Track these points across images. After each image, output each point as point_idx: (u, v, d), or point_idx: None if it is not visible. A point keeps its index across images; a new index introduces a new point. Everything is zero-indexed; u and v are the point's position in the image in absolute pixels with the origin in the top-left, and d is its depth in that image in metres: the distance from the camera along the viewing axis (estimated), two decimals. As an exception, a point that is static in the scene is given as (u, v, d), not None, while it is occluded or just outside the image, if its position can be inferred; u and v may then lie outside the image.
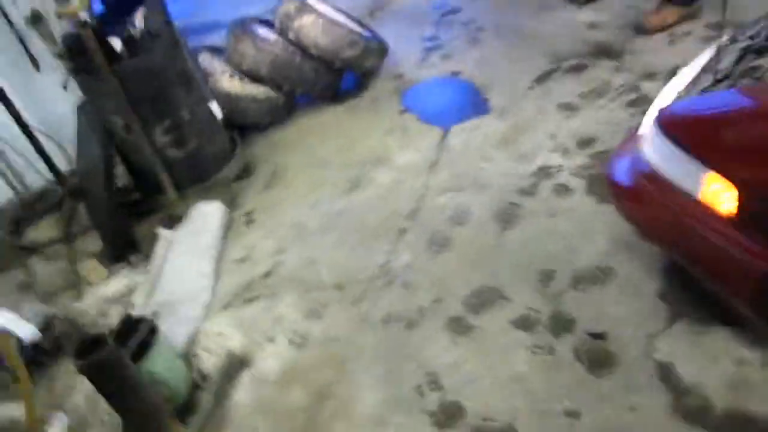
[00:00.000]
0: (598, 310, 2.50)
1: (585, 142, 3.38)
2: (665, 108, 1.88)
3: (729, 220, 1.71)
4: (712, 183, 1.72)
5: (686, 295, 2.40)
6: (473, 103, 4.08)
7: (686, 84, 2.01)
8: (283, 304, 3.06)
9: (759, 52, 1.95)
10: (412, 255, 3.09)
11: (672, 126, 1.83)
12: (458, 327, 2.65)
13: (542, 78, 4.07)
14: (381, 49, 4.68)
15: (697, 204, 1.80)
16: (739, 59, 1.98)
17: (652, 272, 2.53)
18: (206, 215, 3.57)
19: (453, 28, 5.10)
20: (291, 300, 3.07)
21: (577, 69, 4.03)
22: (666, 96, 2.09)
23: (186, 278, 3.29)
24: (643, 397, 2.17)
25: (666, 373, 2.21)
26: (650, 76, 3.68)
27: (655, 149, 1.95)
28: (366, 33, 4.67)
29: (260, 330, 2.96)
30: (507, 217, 3.10)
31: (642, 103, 3.48)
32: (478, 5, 5.23)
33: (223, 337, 2.97)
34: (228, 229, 3.63)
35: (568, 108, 3.70)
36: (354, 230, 3.38)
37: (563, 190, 3.13)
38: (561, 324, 2.50)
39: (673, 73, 3.52)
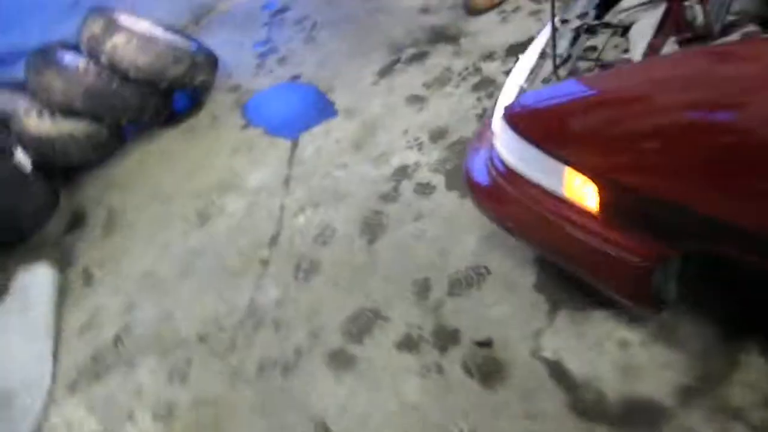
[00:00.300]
0: (479, 315, 2.38)
1: (438, 134, 3.27)
2: (511, 104, 1.75)
3: (595, 216, 1.61)
4: (571, 179, 1.61)
5: (562, 283, 2.34)
6: (319, 107, 3.85)
7: (527, 74, 1.90)
8: (140, 371, 2.68)
9: (591, 31, 1.88)
10: (278, 288, 2.82)
11: (521, 122, 1.71)
12: (340, 361, 2.43)
13: (385, 71, 3.92)
14: (211, 61, 4.31)
15: (561, 202, 1.69)
16: (574, 40, 1.90)
17: (525, 265, 2.45)
18: (33, 284, 3.07)
19: (286, 29, 4.82)
20: (149, 365, 2.70)
21: (418, 57, 3.91)
22: (511, 86, 1.98)
23: (19, 364, 2.80)
24: (539, 402, 2.08)
25: (557, 372, 2.13)
26: (489, 56, 3.64)
27: (507, 147, 1.82)
28: (191, 45, 4.27)
29: (118, 408, 2.57)
30: (372, 227, 2.91)
31: (486, 85, 3.44)
32: (306, 1, 4.98)
33: (74, 426, 2.54)
34: (63, 293, 3.14)
35: (416, 100, 3.57)
36: (212, 270, 3.05)
37: (424, 189, 3.00)
38: (445, 337, 2.36)
39: (510, 51, 3.53)
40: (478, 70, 3.58)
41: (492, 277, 2.49)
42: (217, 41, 4.75)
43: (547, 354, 2.19)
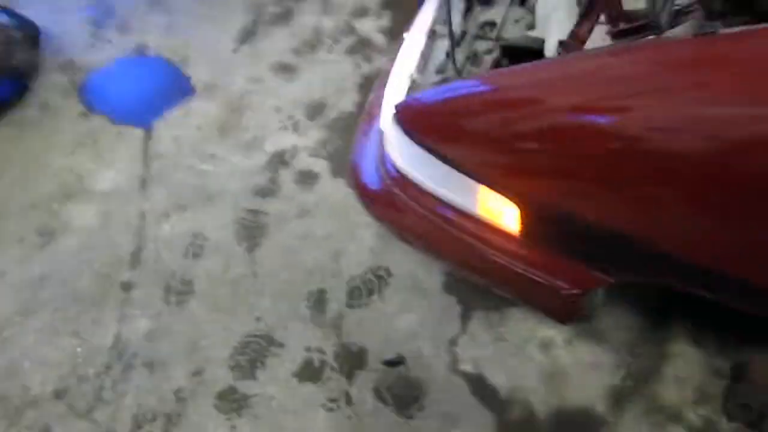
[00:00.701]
0: (385, 328, 2.11)
1: (314, 110, 2.87)
2: (403, 102, 1.41)
3: (515, 237, 1.34)
4: (486, 197, 1.31)
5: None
6: (172, 84, 3.29)
7: (417, 60, 1.55)
8: (-15, 446, 2.19)
9: (486, 0, 1.55)
10: (148, 318, 2.38)
11: (417, 127, 1.39)
12: (232, 403, 2.08)
13: (245, 35, 3.40)
14: (31, 35, 3.56)
15: (472, 219, 1.40)
16: (466, 12, 1.57)
17: (431, 263, 2.18)
18: None
19: (122, -13, 4.09)
20: (-4, 436, 2.20)
21: (282, 17, 3.42)
22: (399, 75, 1.63)
23: None
24: (463, 426, 1.86)
25: (479, 387, 1.91)
26: (362, 12, 3.24)
27: (401, 152, 1.50)
28: (1, 18, 3.50)
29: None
30: (251, 231, 2.52)
31: (362, 47, 3.06)
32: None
33: None
34: None
35: (285, 69, 3.12)
36: (62, 302, 2.53)
37: (306, 178, 2.62)
38: (351, 360, 2.07)
39: (386, 5, 3.15)
40: (351, 29, 3.18)
41: (395, 279, 2.21)
42: (37, 7, 3.94)
43: (467, 367, 1.96)
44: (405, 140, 1.41)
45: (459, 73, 1.38)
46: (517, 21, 1.46)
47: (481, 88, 1.26)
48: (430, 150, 1.36)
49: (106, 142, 3.11)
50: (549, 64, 1.22)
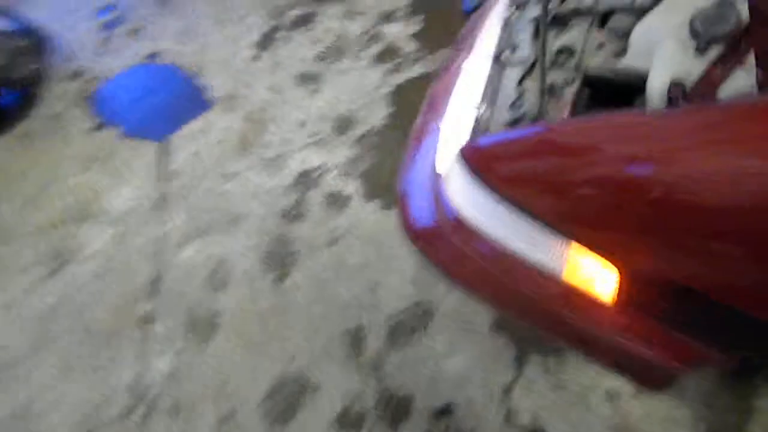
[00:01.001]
0: (432, 372, 1.93)
1: (342, 125, 2.68)
2: (475, 145, 1.23)
3: (605, 302, 1.15)
4: (577, 259, 1.13)
5: (526, 321, 1.91)
6: (188, 95, 3.11)
7: (481, 90, 1.36)
8: (0, 498, 2.03)
9: (562, 21, 1.35)
10: (170, 355, 2.21)
11: (490, 173, 1.20)
12: (265, 454, 1.91)
13: (266, 41, 3.22)
14: (40, 42, 3.40)
15: (551, 279, 1.21)
16: (536, 34, 1.37)
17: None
18: None
19: (133, -11, 3.91)
20: (11, 487, 2.05)
21: (304, 21, 3.24)
22: (460, 107, 1.43)
23: None
24: (523, 487, 1.68)
25: (540, 443, 1.73)
26: (389, 16, 3.04)
27: (466, 197, 1.31)
28: (11, 24, 3.33)
29: None
30: (279, 258, 2.34)
31: (390, 55, 2.86)
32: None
33: None
34: None
35: (309, 79, 2.93)
36: (77, 336, 2.37)
37: (336, 200, 2.44)
38: (395, 408, 1.89)
39: (416, 8, 2.95)
40: (378, 35, 2.98)
41: (440, 316, 2.03)
42: (46, 11, 3.79)
43: (524, 419, 1.78)
44: (473, 186, 1.23)
45: (541, 113, 1.19)
46: (599, 47, 1.27)
47: (570, 132, 1.08)
48: (503, 198, 1.18)
49: (120, 158, 2.95)
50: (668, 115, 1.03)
